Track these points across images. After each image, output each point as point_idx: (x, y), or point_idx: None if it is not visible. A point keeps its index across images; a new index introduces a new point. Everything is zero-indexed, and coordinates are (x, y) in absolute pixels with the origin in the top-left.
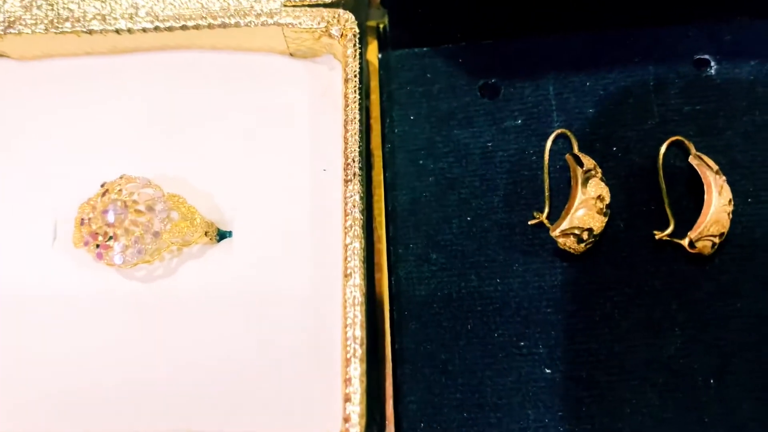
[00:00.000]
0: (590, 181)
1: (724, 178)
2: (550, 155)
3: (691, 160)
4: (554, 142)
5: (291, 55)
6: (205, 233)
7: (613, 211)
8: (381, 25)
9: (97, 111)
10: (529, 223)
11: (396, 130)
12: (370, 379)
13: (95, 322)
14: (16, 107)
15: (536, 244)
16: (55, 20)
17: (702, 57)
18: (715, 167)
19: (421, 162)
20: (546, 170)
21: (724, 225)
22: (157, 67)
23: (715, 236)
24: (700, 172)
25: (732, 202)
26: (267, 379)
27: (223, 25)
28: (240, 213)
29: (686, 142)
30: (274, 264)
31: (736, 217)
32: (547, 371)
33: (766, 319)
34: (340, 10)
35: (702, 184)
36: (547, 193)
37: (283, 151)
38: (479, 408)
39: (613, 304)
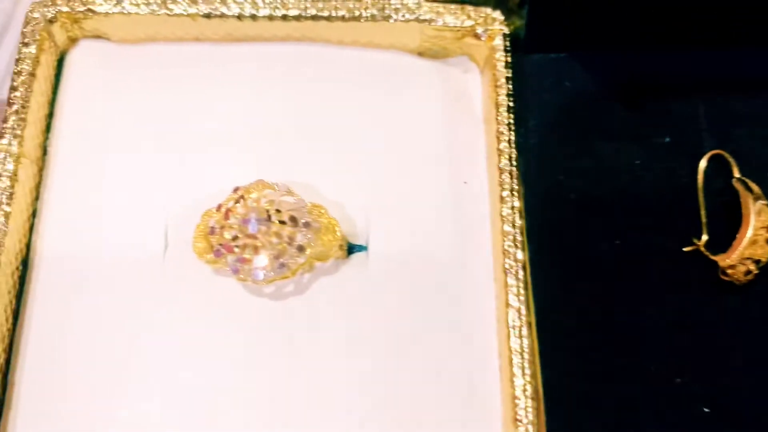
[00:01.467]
0: (761, 210)
1: None
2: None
3: None
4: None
5: (421, 54)
6: (340, 246)
7: None
8: (513, 27)
9: (205, 105)
10: (685, 250)
11: (532, 142)
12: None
13: (218, 343)
14: (113, 95)
15: (692, 272)
16: (170, 1)
17: None
18: None
19: (560, 178)
20: (701, 194)
21: None
22: (276, 60)
23: None
24: None
25: None
26: (408, 410)
27: (358, 18)
28: (373, 225)
29: None
30: (415, 283)
31: None
32: (705, 410)
33: None
34: (488, 9)
35: None
36: (704, 220)
37: (417, 158)
38: None
39: None
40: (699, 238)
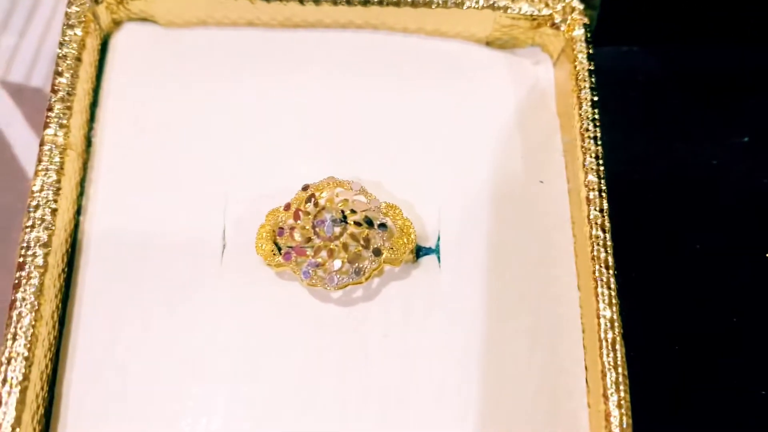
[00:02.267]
0: None
1: None
2: None
3: None
4: None
5: (488, 44)
6: (411, 250)
7: None
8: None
9: (260, 95)
10: (767, 255)
11: (604, 138)
12: None
13: (281, 349)
14: (160, 83)
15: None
16: None
17: None
18: None
19: (635, 176)
20: None
21: None
22: (338, 47)
23: None
24: None
25: None
26: (491, 427)
27: (429, 4)
28: (444, 226)
29: None
30: (489, 289)
31: None
32: None
33: None
34: None
35: None
36: None
37: (488, 155)
38: None
39: None
40: None
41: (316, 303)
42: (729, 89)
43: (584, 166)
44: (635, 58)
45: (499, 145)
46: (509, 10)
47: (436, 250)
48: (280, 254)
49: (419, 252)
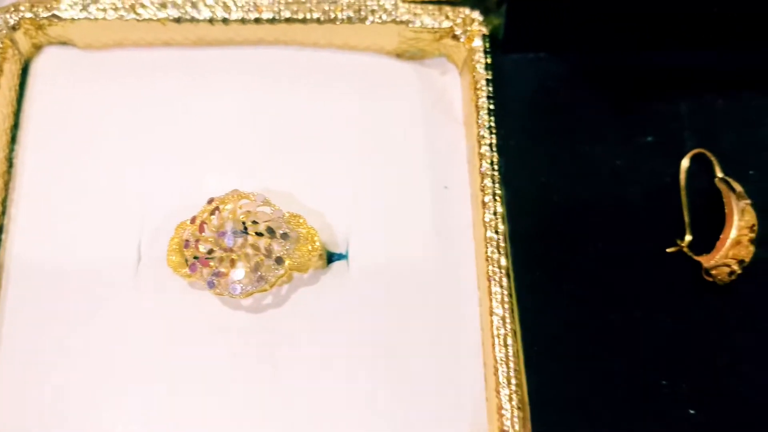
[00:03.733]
0: (745, 210)
1: None
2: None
3: None
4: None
5: (398, 56)
6: (320, 256)
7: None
8: (491, 26)
9: (175, 112)
10: (668, 251)
11: (512, 143)
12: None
13: (194, 358)
14: (80, 103)
15: (677, 273)
16: (137, 5)
17: None
18: None
19: (543, 180)
20: (684, 194)
21: None
22: (249, 64)
23: None
24: None
25: None
26: (394, 422)
27: (334, 20)
28: (353, 233)
29: None
30: (397, 291)
31: None
32: (692, 412)
33: None
34: (467, 9)
35: None
36: (687, 220)
37: (395, 162)
38: None
39: (759, 339)
40: (682, 239)
41: (227, 311)
42: (633, 91)
43: (480, 171)
44: (542, 64)
45: (406, 153)
46: (411, 24)
47: (346, 256)
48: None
49: (331, 258)
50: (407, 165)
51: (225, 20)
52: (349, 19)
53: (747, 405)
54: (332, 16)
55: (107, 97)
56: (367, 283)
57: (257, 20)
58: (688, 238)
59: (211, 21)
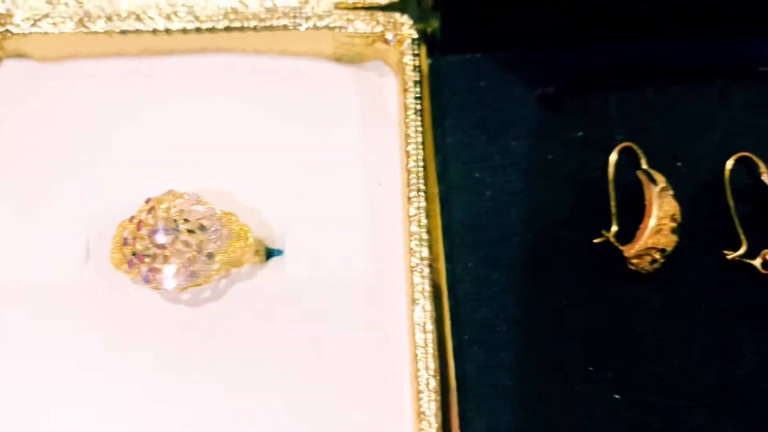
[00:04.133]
0: (664, 200)
1: None
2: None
3: (764, 177)
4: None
5: (337, 60)
6: (256, 252)
7: (681, 229)
8: (430, 29)
9: (128, 118)
10: (595, 241)
11: (448, 140)
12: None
13: (136, 349)
14: (39, 113)
15: (603, 263)
16: (85, 19)
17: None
18: None
19: (476, 175)
20: (611, 186)
21: None
22: (195, 71)
23: None
24: None
25: None
26: (327, 410)
27: (270, 28)
28: (290, 229)
29: (754, 158)
30: (331, 285)
31: None
32: (617, 396)
33: None
34: (397, 14)
35: None
36: (613, 211)
37: (332, 162)
38: None
39: (683, 327)
40: (609, 230)
41: (168, 305)
42: (565, 89)
43: (407, 168)
44: (478, 64)
45: (343, 153)
46: (344, 30)
47: (282, 252)
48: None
49: (270, 254)
50: (344, 164)
51: (167, 31)
52: (285, 27)
53: (671, 390)
54: (268, 24)
55: (62, 105)
56: (303, 277)
57: (198, 30)
58: (614, 228)
59: (154, 32)
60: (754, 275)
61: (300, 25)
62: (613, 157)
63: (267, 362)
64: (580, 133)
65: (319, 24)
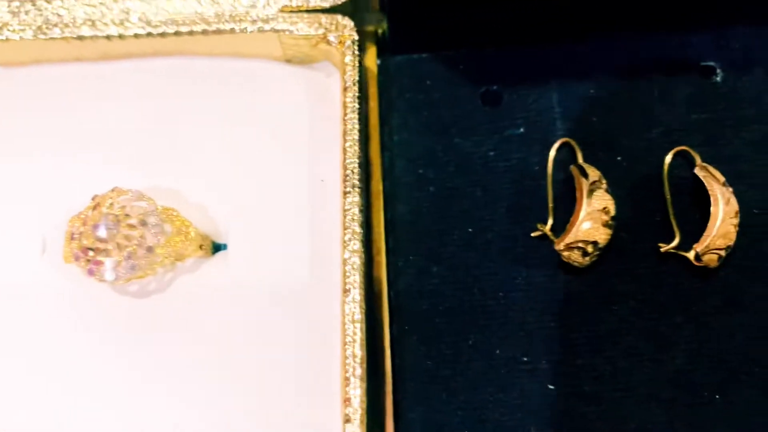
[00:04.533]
0: (595, 193)
1: (730, 189)
2: (554, 165)
3: (697, 171)
4: (558, 151)
5: (288, 61)
6: (200, 246)
7: (617, 222)
8: (380, 30)
9: (87, 119)
10: (532, 235)
11: (395, 138)
12: (371, 399)
13: (86, 338)
14: (2, 115)
15: (540, 256)
16: (44, 26)
17: (708, 64)
18: (722, 179)
19: (420, 171)
20: (549, 181)
21: (731, 238)
22: (150, 74)
23: (721, 249)
24: (706, 184)
25: (738, 215)
26: (263, 397)
27: (218, 32)
28: (235, 225)
29: (692, 152)
30: (271, 278)
31: (742, 229)
32: (551, 387)
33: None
34: (339, 16)
35: (707, 196)
36: (550, 205)
37: (279, 160)
38: (481, 425)
39: (617, 318)
40: (545, 224)
41: (115, 296)
42: (509, 87)
43: (344, 164)
44: (425, 64)
45: (289, 151)
46: (289, 32)
47: (225, 247)
48: None
49: (216, 249)
50: (289, 162)
51: (121, 36)
52: (232, 30)
53: (605, 380)
54: (215, 27)
55: (24, 110)
56: (245, 271)
57: (149, 35)
58: (550, 222)
59: (108, 38)
60: (688, 268)
61: (246, 28)
62: (552, 152)
63: (207, 350)
64: (522, 130)
65: (266, 27)
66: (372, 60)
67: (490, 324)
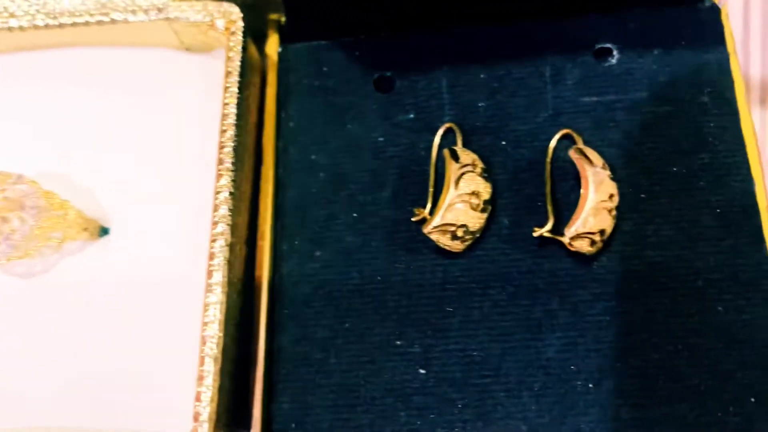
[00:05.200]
0: (464, 177)
1: (607, 172)
2: (440, 151)
3: (571, 153)
4: (445, 137)
5: (188, 50)
6: (85, 229)
7: (498, 207)
8: (282, 19)
9: None
10: (413, 219)
11: (291, 125)
12: (223, 378)
13: None
14: None
15: (419, 241)
16: None
17: (604, 46)
18: (600, 161)
19: (313, 157)
20: (433, 165)
21: (605, 222)
22: (54, 64)
23: (593, 233)
24: (578, 166)
25: (614, 198)
26: (130, 376)
27: (112, 22)
28: (121, 210)
29: (574, 134)
30: (148, 261)
31: (628, 213)
32: (422, 371)
33: (648, 322)
34: (225, 3)
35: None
36: (431, 189)
37: (170, 148)
38: (352, 408)
39: (492, 304)
40: (425, 208)
41: (3, 278)
42: (399, 73)
43: (220, 149)
44: (321, 51)
45: (179, 137)
46: (179, 20)
47: (108, 231)
48: None
49: (105, 232)
50: (179, 149)
51: (21, 28)
52: (126, 20)
53: (474, 366)
54: (109, 18)
55: None
56: (126, 255)
57: (47, 26)
58: (428, 206)
59: (9, 29)
60: (569, 254)
61: (139, 18)
62: (437, 138)
63: (83, 329)
64: (412, 116)
65: (158, 16)
66: (273, 48)
67: (366, 308)
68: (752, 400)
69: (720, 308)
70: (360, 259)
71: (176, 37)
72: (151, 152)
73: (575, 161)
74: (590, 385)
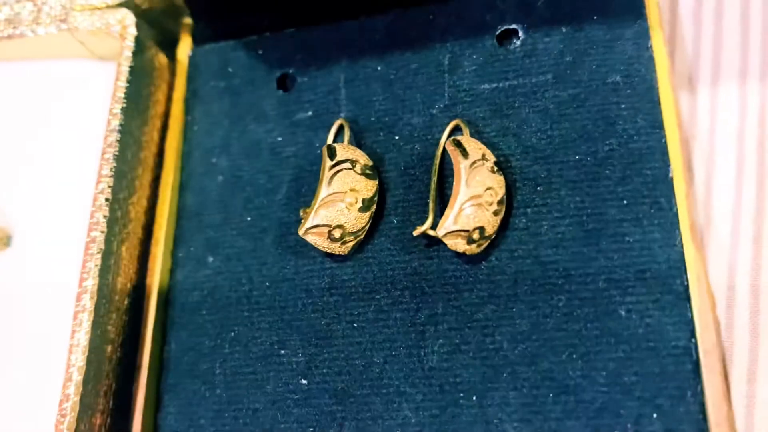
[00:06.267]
0: (338, 175)
1: (488, 164)
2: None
3: (447, 145)
4: (342, 134)
5: (100, 58)
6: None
7: (388, 206)
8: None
9: None
10: (300, 219)
11: (195, 128)
12: (86, 390)
13: None
14: None
15: (309, 244)
16: None
17: (509, 27)
18: (479, 153)
19: (214, 160)
20: (323, 166)
21: (483, 218)
22: None
23: (467, 231)
24: (453, 160)
25: (494, 192)
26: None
27: (21, 36)
28: (22, 222)
29: (463, 125)
30: (54, 271)
31: (521, 208)
32: (303, 382)
33: (539, 327)
34: (123, 9)
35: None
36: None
37: (72, 157)
38: (235, 420)
39: (377, 309)
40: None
41: None
42: (300, 70)
43: (102, 152)
44: (227, 52)
45: (83, 147)
46: (77, 30)
47: (10, 241)
48: None
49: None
50: (81, 157)
51: None
52: (22, 34)
53: (355, 376)
54: (7, 33)
55: None
56: (30, 263)
57: None
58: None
59: None
60: (458, 255)
61: (38, 30)
62: (330, 135)
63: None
64: (310, 113)
65: (56, 29)
66: (185, 52)
67: (252, 316)
68: (654, 416)
69: (622, 312)
70: (250, 264)
71: (84, 47)
72: (53, 162)
73: (450, 154)
74: (473, 398)
